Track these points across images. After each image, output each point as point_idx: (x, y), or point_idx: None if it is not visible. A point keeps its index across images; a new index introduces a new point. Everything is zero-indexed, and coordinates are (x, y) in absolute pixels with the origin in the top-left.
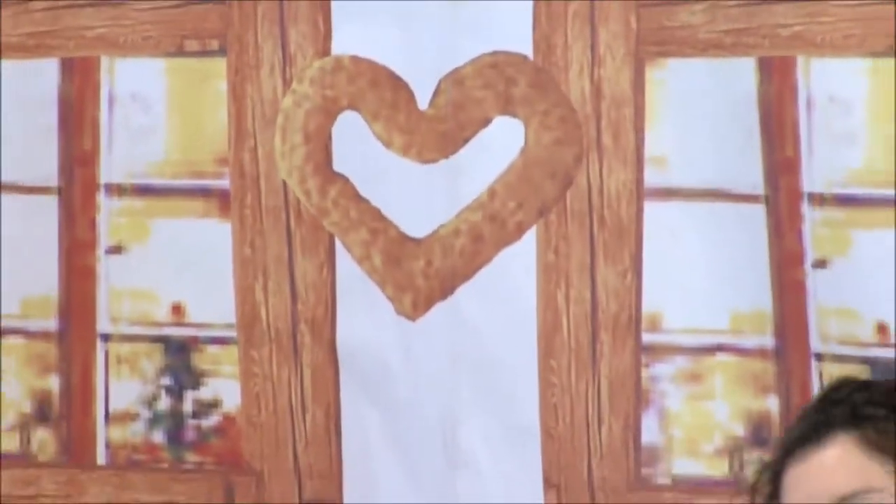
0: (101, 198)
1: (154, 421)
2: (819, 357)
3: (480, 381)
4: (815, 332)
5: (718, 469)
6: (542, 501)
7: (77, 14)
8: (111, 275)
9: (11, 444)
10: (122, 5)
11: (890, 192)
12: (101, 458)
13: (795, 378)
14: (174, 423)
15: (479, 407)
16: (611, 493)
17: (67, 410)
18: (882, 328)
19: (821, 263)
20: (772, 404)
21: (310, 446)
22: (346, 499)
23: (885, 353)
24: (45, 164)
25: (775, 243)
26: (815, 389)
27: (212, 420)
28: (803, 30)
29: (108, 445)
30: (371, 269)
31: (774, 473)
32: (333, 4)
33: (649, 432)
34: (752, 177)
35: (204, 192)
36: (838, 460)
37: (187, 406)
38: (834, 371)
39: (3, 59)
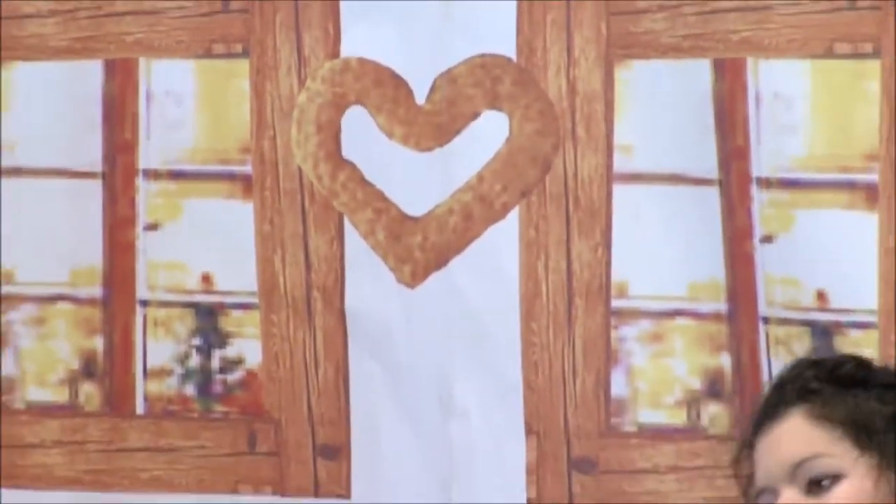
0: (140, 181)
1: (186, 376)
2: (766, 320)
3: (471, 341)
4: (763, 298)
5: (678, 418)
6: (524, 446)
7: (118, 21)
8: (148, 249)
9: (61, 396)
10: (158, 13)
11: (828, 176)
12: (139, 408)
13: (745, 339)
14: (203, 378)
15: (470, 363)
16: (584, 438)
17: (110, 367)
18: (821, 295)
19: (767, 239)
20: (724, 361)
21: (321, 398)
22: (353, 443)
23: (824, 316)
24: (90, 153)
25: (727, 221)
26: (763, 349)
27: (236, 375)
28: (752, 35)
29: (145, 398)
30: (375, 243)
31: (749, 450)
32: (342, 13)
33: (617, 386)
34: (708, 163)
35: (229, 177)
36: (789, 433)
37: (215, 363)
38: (779, 333)
39: (54, 61)
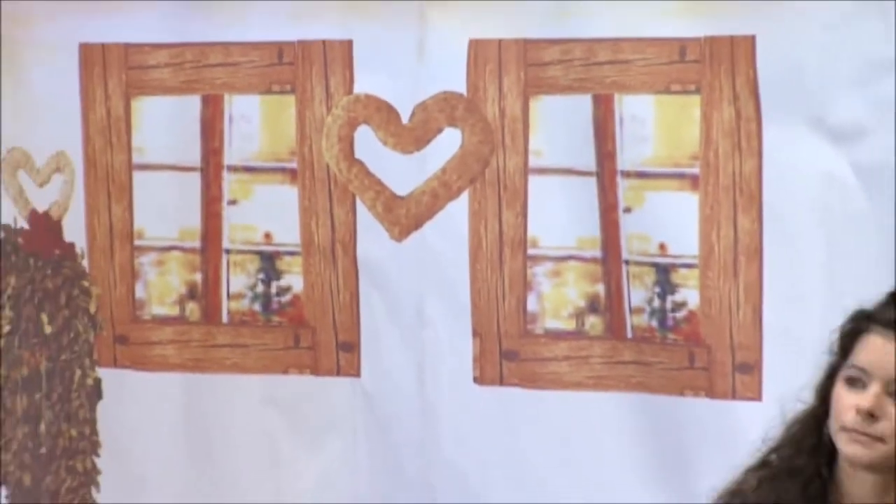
0: (224, 173)
1: (254, 298)
2: (626, 262)
3: (437, 276)
4: (625, 248)
5: (570, 325)
6: (471, 344)
7: (211, 70)
8: (230, 216)
9: (174, 311)
10: (237, 65)
11: (667, 170)
12: (224, 319)
13: (613, 274)
14: (265, 299)
15: (436, 291)
16: (510, 338)
17: (206, 292)
18: (662, 246)
19: (627, 210)
20: (599, 289)
21: (341, 312)
22: (362, 342)
23: (664, 260)
24: (193, 154)
25: (602, 199)
26: (624, 281)
27: (286, 298)
28: (618, 79)
29: (228, 312)
30: (376, 213)
31: (855, 331)
32: (355, 65)
33: (531, 304)
34: (589, 161)
35: (282, 170)
36: None
37: (272, 290)
38: (634, 270)
39: (169, 96)
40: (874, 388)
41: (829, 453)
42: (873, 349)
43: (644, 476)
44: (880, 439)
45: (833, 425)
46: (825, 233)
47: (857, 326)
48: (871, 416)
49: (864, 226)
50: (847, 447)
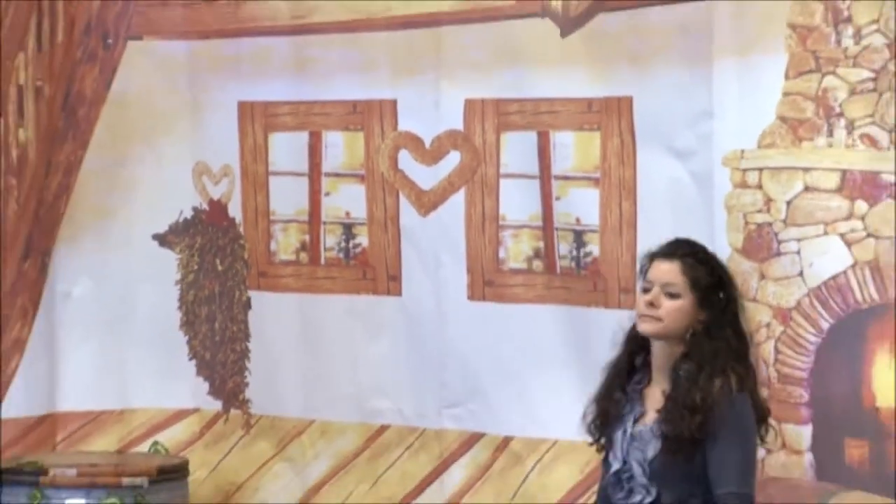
0: (322, 177)
1: (339, 250)
2: (556, 229)
3: (446, 237)
4: (556, 220)
5: (525, 266)
6: (465, 279)
7: (314, 117)
8: (325, 202)
9: (293, 257)
10: (329, 114)
11: (583, 174)
12: (322, 262)
13: (549, 235)
14: (346, 251)
15: (446, 248)
16: (489, 274)
17: (311, 246)
18: (578, 219)
19: (557, 198)
20: (541, 245)
21: (391, 259)
22: (402, 277)
23: (579, 227)
24: (303, 166)
25: (542, 191)
26: (556, 240)
27: (358, 250)
28: (553, 120)
29: (324, 258)
30: (410, 200)
31: (648, 260)
32: (398, 113)
33: (503, 253)
34: (535, 170)
35: (356, 175)
36: (669, 268)
37: (350, 245)
38: (560, 234)
39: (289, 132)
40: (655, 290)
41: (644, 339)
42: (655, 268)
43: (565, 350)
44: (659, 319)
45: (636, 316)
46: (672, 212)
47: (649, 257)
48: (652, 305)
49: (695, 208)
50: (641, 325)
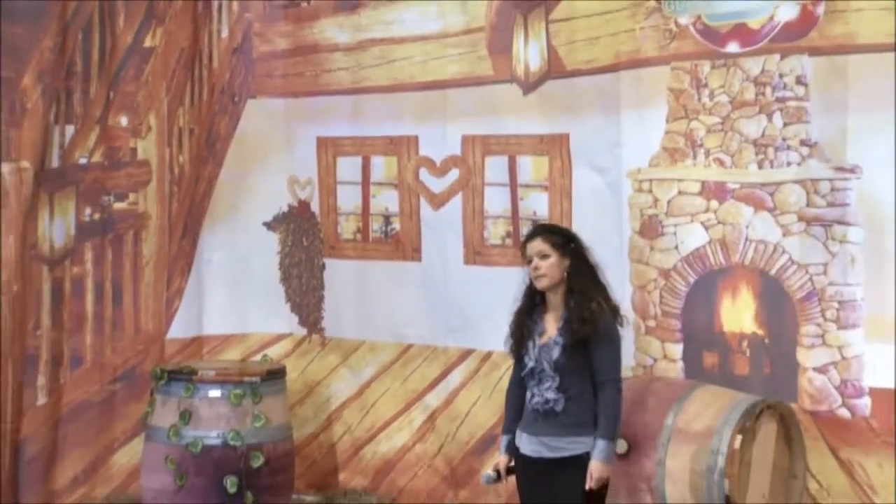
0: (371, 186)
1: (381, 232)
2: (521, 219)
3: (450, 224)
4: (521, 214)
5: (501, 242)
6: (462, 250)
7: (364, 146)
8: (372, 202)
9: (352, 237)
10: (373, 145)
11: (536, 183)
12: (370, 239)
13: (515, 224)
14: (385, 233)
15: (449, 229)
16: (479, 246)
17: (363, 230)
18: (535, 213)
19: (521, 199)
20: (511, 229)
21: (413, 238)
22: (422, 249)
23: (535, 218)
24: (357, 177)
25: (511, 196)
26: (520, 226)
27: (393, 233)
28: (519, 148)
29: (371, 237)
30: (426, 200)
31: (526, 242)
32: (420, 145)
33: (486, 234)
34: (506, 180)
35: (392, 184)
36: (537, 242)
37: (388, 229)
38: (524, 223)
39: (349, 157)
40: (535, 259)
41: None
42: (529, 247)
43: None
44: (545, 275)
45: (532, 279)
46: (594, 209)
47: (523, 242)
48: (536, 269)
49: (609, 206)
50: (537, 284)
